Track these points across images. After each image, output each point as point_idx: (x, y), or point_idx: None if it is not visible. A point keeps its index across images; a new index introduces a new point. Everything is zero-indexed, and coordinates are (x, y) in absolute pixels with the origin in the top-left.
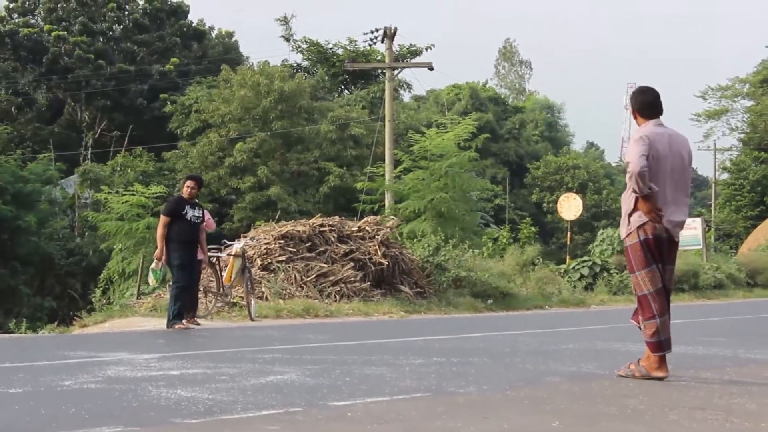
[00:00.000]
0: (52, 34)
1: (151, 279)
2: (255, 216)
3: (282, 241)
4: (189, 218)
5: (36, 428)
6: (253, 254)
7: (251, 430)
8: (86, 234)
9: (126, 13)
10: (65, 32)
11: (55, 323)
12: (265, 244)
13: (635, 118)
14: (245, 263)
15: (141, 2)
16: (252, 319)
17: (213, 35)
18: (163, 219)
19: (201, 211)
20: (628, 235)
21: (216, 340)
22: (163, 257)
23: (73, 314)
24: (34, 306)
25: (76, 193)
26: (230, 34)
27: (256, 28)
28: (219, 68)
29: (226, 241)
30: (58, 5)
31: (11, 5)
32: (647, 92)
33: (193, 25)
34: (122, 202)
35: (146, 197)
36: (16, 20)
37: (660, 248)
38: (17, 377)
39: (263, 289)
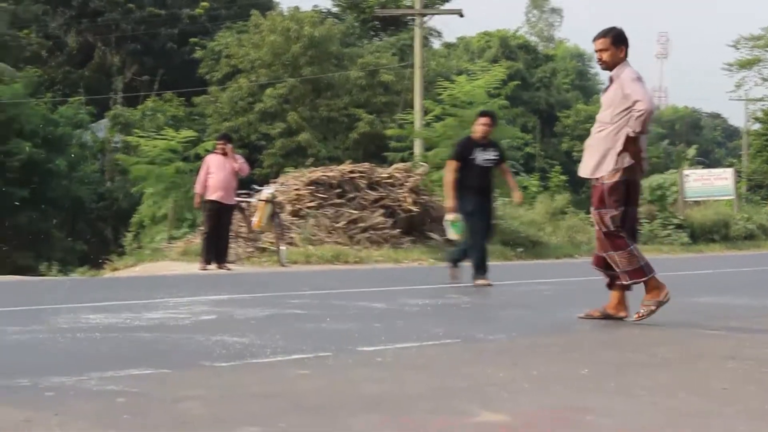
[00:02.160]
0: None
1: (450, 232)
2: (285, 162)
3: (312, 187)
4: (478, 162)
5: (66, 369)
6: (283, 200)
7: (281, 374)
8: (116, 178)
9: None
10: None
11: (87, 267)
12: (295, 189)
13: (620, 54)
14: (275, 209)
15: None
16: (282, 265)
17: None
18: (450, 164)
19: (496, 152)
20: (613, 173)
21: (246, 285)
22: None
23: (104, 258)
24: (65, 249)
25: (106, 137)
26: None
27: None
28: (249, 13)
29: (256, 187)
30: None
31: None
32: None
33: None
34: (153, 146)
35: (176, 141)
36: None
37: (633, 191)
38: (47, 319)
39: (293, 235)
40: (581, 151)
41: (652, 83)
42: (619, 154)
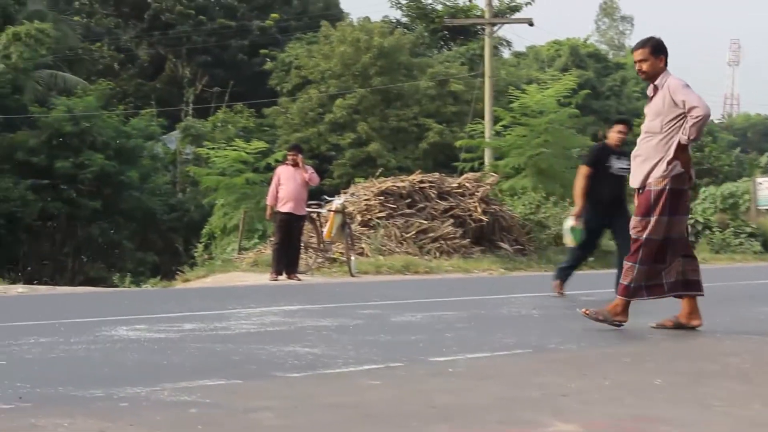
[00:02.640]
0: None
1: (568, 239)
2: (355, 172)
3: (382, 198)
4: (613, 170)
5: (140, 380)
6: (353, 210)
7: (352, 385)
8: (187, 189)
9: None
10: None
11: (158, 278)
12: (365, 200)
13: (660, 63)
14: (345, 219)
15: None
16: (352, 275)
17: None
18: (583, 169)
19: (629, 162)
20: (660, 180)
21: (316, 296)
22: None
23: (176, 269)
24: (137, 261)
25: (177, 148)
26: None
27: None
28: (319, 24)
29: (327, 197)
30: None
31: None
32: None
33: None
34: (223, 157)
35: (247, 153)
36: None
37: (683, 199)
38: (121, 330)
39: (363, 245)
40: None
41: (724, 90)
42: (669, 162)
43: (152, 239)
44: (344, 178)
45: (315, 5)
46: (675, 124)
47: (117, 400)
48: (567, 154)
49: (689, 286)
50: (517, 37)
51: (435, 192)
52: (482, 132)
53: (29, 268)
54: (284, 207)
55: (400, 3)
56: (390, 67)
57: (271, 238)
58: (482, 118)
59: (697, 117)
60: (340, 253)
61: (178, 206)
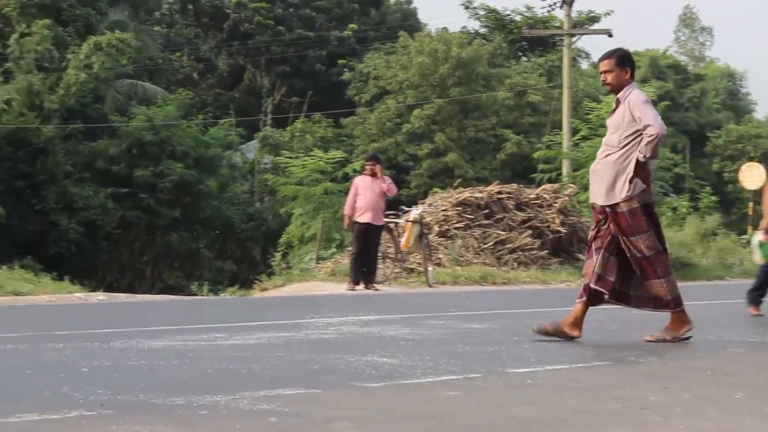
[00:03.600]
0: (233, 0)
1: (757, 256)
2: (432, 183)
3: (459, 208)
4: None
5: (219, 388)
6: (431, 221)
7: (431, 395)
8: (265, 199)
9: None
10: None
11: (236, 286)
12: (443, 210)
13: (625, 76)
14: (423, 229)
15: None
16: (429, 286)
17: (391, 2)
18: None
19: None
20: (628, 201)
21: (394, 306)
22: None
23: (253, 278)
24: (216, 269)
25: (255, 158)
26: (409, 1)
27: None
28: (397, 35)
29: (404, 207)
30: None
31: None
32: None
33: None
34: (301, 167)
35: (325, 162)
36: None
37: (653, 213)
38: (200, 338)
39: (440, 256)
40: (732, 171)
41: None
42: (630, 181)
43: (230, 248)
44: (422, 189)
45: (393, 16)
46: (633, 139)
47: (196, 408)
48: None
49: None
50: (596, 48)
51: (513, 203)
52: (560, 143)
53: (109, 276)
54: (362, 217)
55: (478, 14)
56: (468, 78)
57: (349, 248)
58: (560, 129)
59: (651, 135)
60: (418, 263)
61: (256, 215)
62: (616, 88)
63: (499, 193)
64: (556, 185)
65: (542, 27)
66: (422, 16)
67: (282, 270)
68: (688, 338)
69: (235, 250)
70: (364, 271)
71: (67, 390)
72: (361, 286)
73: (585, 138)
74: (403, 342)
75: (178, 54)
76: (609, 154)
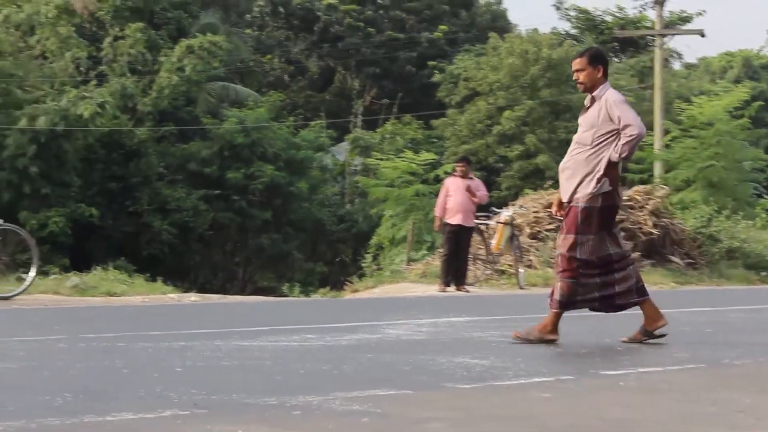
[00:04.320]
0: (324, 2)
1: None
2: (523, 184)
3: (550, 210)
4: None
5: (312, 388)
6: (522, 222)
7: (523, 397)
8: (356, 200)
9: None
10: (336, 1)
11: (327, 288)
12: (534, 212)
13: (598, 74)
14: (514, 231)
15: None
16: (520, 287)
17: (481, 3)
18: None
19: None
20: (591, 198)
21: (485, 307)
22: None
23: (344, 279)
24: (306, 271)
25: (346, 159)
26: (499, 2)
27: None
28: (487, 36)
29: (495, 209)
30: None
31: None
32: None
33: None
34: (392, 168)
35: (416, 164)
36: None
37: (614, 216)
38: (292, 339)
39: (531, 258)
40: None
41: None
42: (599, 180)
43: (321, 250)
44: (512, 190)
45: (483, 17)
46: (607, 138)
47: (289, 408)
48: (738, 167)
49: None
50: (688, 48)
51: None
52: (651, 144)
53: (201, 277)
54: (453, 218)
55: (569, 15)
56: (559, 79)
57: (440, 250)
58: (652, 130)
59: (630, 135)
60: (509, 265)
61: (347, 217)
62: (588, 87)
63: None
64: (648, 187)
65: (633, 28)
66: (512, 17)
67: (373, 272)
68: (547, 342)
69: (325, 251)
70: (455, 272)
71: (161, 389)
72: (452, 288)
73: (676, 139)
74: (495, 344)
75: (269, 56)
76: (580, 152)
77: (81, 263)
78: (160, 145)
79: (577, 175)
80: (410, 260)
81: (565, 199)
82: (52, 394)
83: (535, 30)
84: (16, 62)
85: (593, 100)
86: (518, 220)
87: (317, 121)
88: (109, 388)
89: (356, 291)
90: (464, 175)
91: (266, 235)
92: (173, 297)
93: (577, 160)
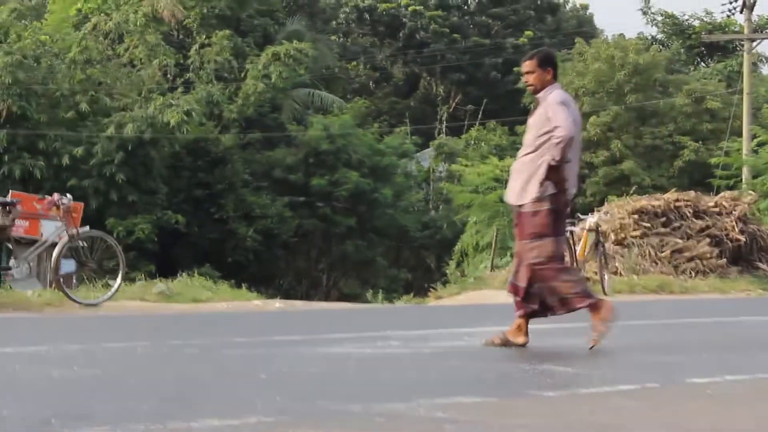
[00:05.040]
0: (409, 9)
1: None
2: (608, 190)
3: (636, 216)
4: None
5: (396, 395)
6: (607, 229)
7: (608, 405)
8: (440, 207)
9: None
10: (421, 7)
11: (411, 294)
12: (619, 218)
13: (547, 76)
14: (599, 238)
15: None
16: (606, 294)
17: (567, 8)
18: None
19: None
20: (537, 203)
21: (569, 315)
22: None
23: (428, 286)
24: (390, 277)
25: (431, 166)
26: (585, 7)
27: (611, 1)
28: (573, 41)
29: (580, 215)
30: None
31: None
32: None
33: None
34: (477, 174)
35: (501, 170)
36: None
37: (561, 220)
38: (376, 345)
39: (617, 264)
40: None
41: None
42: (541, 183)
43: (405, 256)
44: (597, 197)
45: (569, 22)
46: (546, 140)
47: (373, 415)
48: None
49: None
50: None
51: (691, 211)
52: (739, 150)
53: (285, 284)
54: None
55: (655, 19)
56: (645, 84)
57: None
58: (739, 135)
59: (558, 138)
60: (594, 272)
61: (431, 224)
62: (538, 89)
63: (677, 200)
64: (736, 193)
65: (721, 32)
66: (598, 23)
67: (457, 278)
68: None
69: (409, 258)
70: None
71: (246, 396)
72: None
73: (765, 145)
74: (580, 351)
75: (354, 63)
76: (526, 154)
77: (167, 270)
78: (246, 152)
79: (521, 176)
80: (494, 267)
81: (507, 200)
82: (138, 400)
83: (622, 35)
84: (104, 70)
85: (538, 102)
86: (603, 227)
87: (402, 127)
88: (194, 394)
89: (440, 298)
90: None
91: (350, 241)
92: (258, 304)
93: (521, 162)
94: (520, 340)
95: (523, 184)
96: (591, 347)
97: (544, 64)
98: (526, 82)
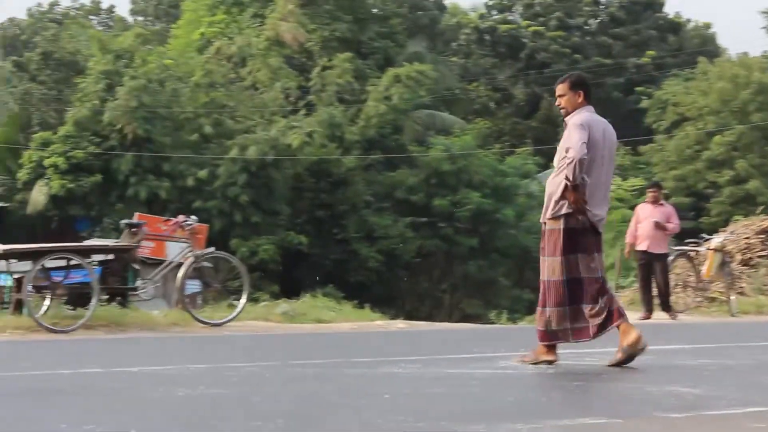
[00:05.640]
0: (530, 29)
1: None
2: (733, 210)
3: (763, 236)
4: None
5: (518, 416)
6: (733, 249)
7: (736, 427)
8: None
9: (601, 6)
10: (542, 27)
11: (533, 315)
12: (745, 238)
13: (578, 99)
14: (725, 258)
15: None
16: (732, 315)
17: (690, 27)
18: None
19: None
20: (551, 220)
21: (695, 335)
22: None
23: None
24: (513, 298)
25: None
26: (707, 26)
27: (735, 20)
28: (695, 61)
29: (705, 235)
30: (535, 1)
31: (491, 2)
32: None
33: (669, 17)
34: None
35: (624, 189)
36: (495, 17)
37: (581, 239)
38: (499, 365)
39: (743, 285)
40: None
41: None
42: (557, 202)
43: (528, 276)
44: (722, 216)
45: (691, 41)
46: (564, 161)
47: None
48: None
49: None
50: None
51: None
52: None
53: (408, 304)
54: (641, 245)
55: None
56: None
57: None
58: None
59: (569, 159)
60: (719, 292)
61: None
62: (569, 112)
63: None
64: None
65: None
66: (722, 41)
67: None
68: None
69: (532, 278)
70: (650, 300)
71: (369, 416)
72: (665, 315)
73: None
74: (707, 372)
75: (475, 84)
76: (553, 175)
77: (290, 290)
78: (367, 173)
79: (546, 197)
80: (618, 287)
81: (540, 220)
82: (264, 419)
83: (745, 54)
84: (228, 93)
85: (566, 125)
86: (729, 247)
87: (523, 147)
88: (318, 413)
89: None
90: (655, 201)
91: (473, 262)
92: (381, 324)
93: (550, 183)
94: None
95: (546, 202)
96: (519, 361)
97: (575, 87)
98: (558, 105)
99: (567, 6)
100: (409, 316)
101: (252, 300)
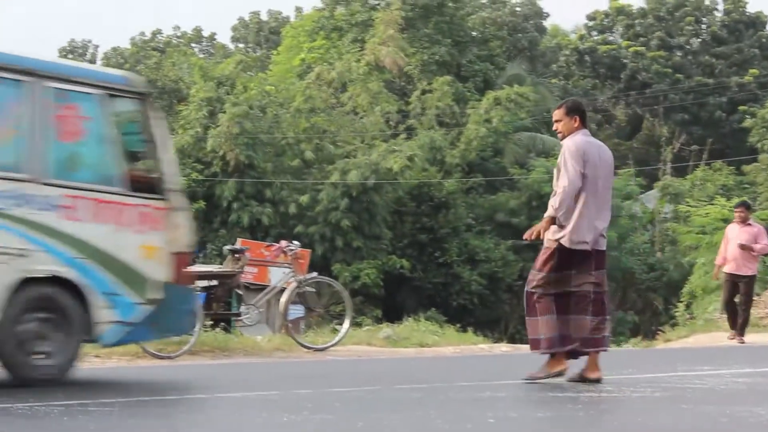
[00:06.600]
0: (630, 50)
1: None
2: None
3: None
4: None
5: None
6: None
7: None
8: (666, 248)
9: (703, 26)
10: (643, 48)
11: (638, 337)
12: None
13: (573, 124)
14: None
15: (719, 15)
16: None
17: None
18: None
19: None
20: (551, 239)
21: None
22: None
23: (656, 328)
24: (617, 320)
25: (656, 207)
26: None
27: None
28: None
29: None
30: (636, 21)
31: (591, 23)
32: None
33: None
34: (704, 215)
35: (728, 210)
36: (595, 38)
37: (573, 257)
38: (603, 389)
39: None
40: None
41: None
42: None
43: (631, 298)
44: None
45: None
46: (559, 188)
47: None
48: None
49: (591, 344)
50: None
51: None
52: None
53: (511, 328)
54: (728, 267)
55: None
56: None
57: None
58: None
59: (561, 188)
60: None
61: (657, 265)
62: (565, 136)
63: None
64: None
65: None
66: None
67: (686, 320)
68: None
69: (636, 300)
70: (734, 322)
71: None
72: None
73: None
74: None
75: None
76: (551, 197)
77: (393, 314)
78: (469, 197)
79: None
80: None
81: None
82: None
83: None
84: (328, 118)
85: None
86: None
87: (626, 169)
88: None
89: (669, 340)
90: (743, 221)
91: None
92: (484, 347)
93: (549, 203)
94: (595, 374)
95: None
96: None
97: (571, 113)
98: (556, 129)
99: (668, 26)
100: (513, 340)
101: (355, 324)
